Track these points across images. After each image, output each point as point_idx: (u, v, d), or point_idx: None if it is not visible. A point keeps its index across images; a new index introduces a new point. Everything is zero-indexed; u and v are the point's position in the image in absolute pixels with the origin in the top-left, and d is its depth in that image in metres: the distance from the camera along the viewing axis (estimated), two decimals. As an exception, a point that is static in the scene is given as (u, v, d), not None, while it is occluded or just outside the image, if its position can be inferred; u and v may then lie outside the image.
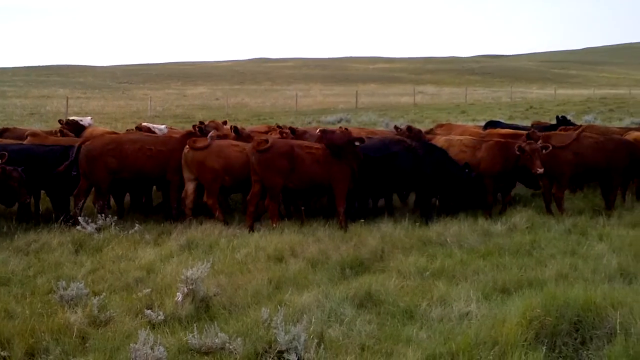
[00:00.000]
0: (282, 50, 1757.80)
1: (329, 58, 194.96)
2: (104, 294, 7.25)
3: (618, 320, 5.84)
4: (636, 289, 7.11)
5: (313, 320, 6.24)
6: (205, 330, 6.04)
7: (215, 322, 6.29)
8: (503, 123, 18.24)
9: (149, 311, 6.71)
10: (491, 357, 5.43)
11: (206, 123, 13.61)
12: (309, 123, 33.42)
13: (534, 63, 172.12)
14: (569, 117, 18.00)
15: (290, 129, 13.42)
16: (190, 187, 11.46)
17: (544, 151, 11.14)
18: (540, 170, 10.97)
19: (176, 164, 11.44)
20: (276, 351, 5.64)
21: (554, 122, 17.08)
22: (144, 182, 12.04)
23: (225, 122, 11.90)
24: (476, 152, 11.88)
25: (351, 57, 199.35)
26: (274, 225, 10.80)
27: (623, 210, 11.68)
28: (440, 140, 12.67)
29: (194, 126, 12.94)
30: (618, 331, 5.75)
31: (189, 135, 11.86)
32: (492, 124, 16.66)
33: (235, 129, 13.14)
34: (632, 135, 13.40)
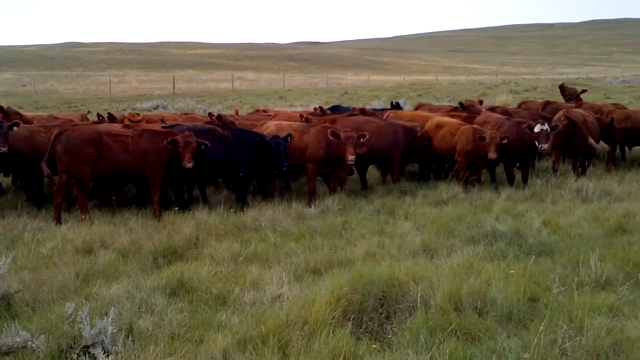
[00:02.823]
0: (94, 34, 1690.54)
1: (145, 43, 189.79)
2: None
3: (419, 294, 6.19)
4: (436, 263, 7.57)
5: (122, 312, 6.09)
6: (5, 329, 5.70)
7: (17, 320, 5.96)
8: (344, 107, 18.80)
9: (-61, 313, 6.24)
10: (301, 337, 5.54)
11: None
12: (124, 110, 32.38)
13: (349, 50, 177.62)
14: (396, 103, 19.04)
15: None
16: None
17: (361, 140, 11.49)
18: (351, 158, 11.28)
19: None
20: (82, 346, 5.42)
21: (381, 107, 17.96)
22: None
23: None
24: (303, 136, 12.03)
25: (168, 42, 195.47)
26: (84, 216, 10.38)
27: (427, 190, 12.32)
28: (270, 124, 12.73)
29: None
30: (419, 304, 6.09)
31: None
32: (334, 109, 17.12)
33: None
34: (435, 119, 14.19)
